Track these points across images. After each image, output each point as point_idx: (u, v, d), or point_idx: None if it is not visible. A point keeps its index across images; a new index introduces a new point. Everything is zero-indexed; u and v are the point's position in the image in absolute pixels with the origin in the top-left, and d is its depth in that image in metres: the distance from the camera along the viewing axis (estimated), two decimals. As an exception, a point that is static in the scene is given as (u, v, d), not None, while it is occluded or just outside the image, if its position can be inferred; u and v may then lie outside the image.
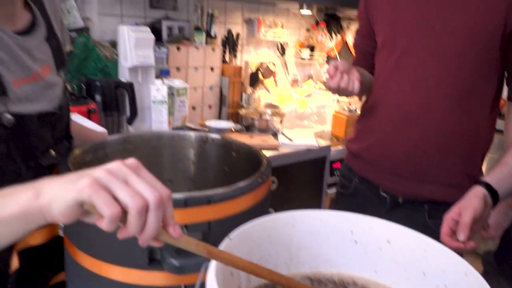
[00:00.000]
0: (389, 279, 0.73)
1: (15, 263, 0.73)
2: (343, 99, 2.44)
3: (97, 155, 0.95)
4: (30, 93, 0.75)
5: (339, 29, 2.76)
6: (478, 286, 0.59)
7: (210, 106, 2.26)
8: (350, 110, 2.32)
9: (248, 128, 2.15)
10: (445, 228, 0.93)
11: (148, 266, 0.69)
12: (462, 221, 0.91)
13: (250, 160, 0.98)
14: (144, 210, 0.47)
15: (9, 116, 0.70)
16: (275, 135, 2.08)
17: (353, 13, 2.66)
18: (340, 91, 1.15)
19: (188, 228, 0.69)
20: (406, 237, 0.71)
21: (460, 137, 1.16)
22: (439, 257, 0.67)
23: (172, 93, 1.84)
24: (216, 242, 0.62)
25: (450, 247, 0.67)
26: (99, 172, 0.47)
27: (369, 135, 1.30)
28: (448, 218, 0.94)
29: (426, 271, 0.69)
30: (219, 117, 2.31)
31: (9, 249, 0.72)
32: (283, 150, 1.92)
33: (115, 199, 0.46)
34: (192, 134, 1.06)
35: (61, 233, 0.78)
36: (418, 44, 1.16)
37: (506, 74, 1.17)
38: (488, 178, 1.00)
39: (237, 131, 2.06)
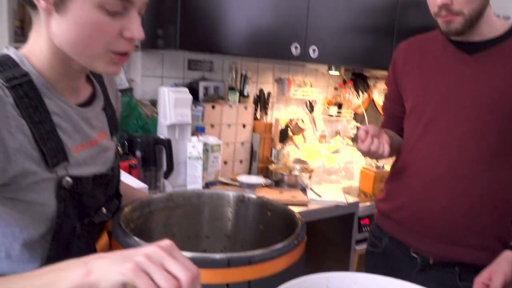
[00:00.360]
0: None
1: None
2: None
3: (143, 212, 1.03)
4: (87, 158, 0.84)
5: (366, 87, 2.86)
6: None
7: (241, 161, 2.34)
8: (377, 167, 2.36)
9: (278, 183, 2.20)
10: None
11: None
12: (493, 286, 0.93)
13: (285, 219, 1.03)
14: None
15: (68, 179, 0.77)
16: (304, 190, 2.13)
17: (379, 72, 2.76)
18: (370, 154, 1.21)
19: (229, 287, 0.74)
20: (437, 302, 0.75)
21: (488, 201, 1.19)
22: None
23: (206, 149, 1.93)
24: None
25: None
26: (139, 257, 0.56)
27: (398, 196, 1.34)
28: (479, 282, 0.96)
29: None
30: (250, 171, 2.38)
31: None
32: (312, 206, 1.96)
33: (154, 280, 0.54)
34: (230, 193, 1.13)
35: None
36: (445, 111, 1.22)
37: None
38: None
39: (267, 186, 2.12)
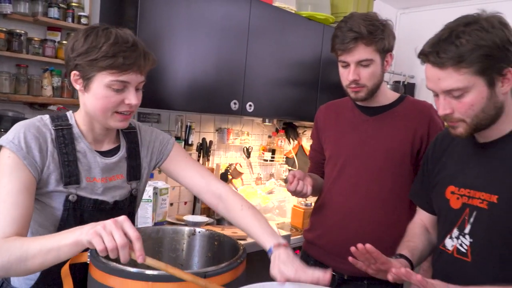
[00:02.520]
0: None
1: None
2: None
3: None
4: (93, 187, 1.19)
5: (296, 135, 3.23)
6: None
7: (185, 203, 2.57)
8: (306, 204, 2.68)
9: (219, 221, 2.46)
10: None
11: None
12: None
13: (229, 247, 1.29)
14: (116, 249, 0.88)
15: (74, 196, 1.14)
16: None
17: (307, 122, 3.15)
18: (297, 193, 1.52)
19: (190, 295, 0.98)
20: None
21: (387, 228, 1.53)
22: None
23: (155, 192, 2.16)
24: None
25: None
26: (99, 226, 0.89)
27: (320, 227, 1.65)
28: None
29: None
30: (193, 211, 2.62)
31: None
32: (250, 240, 2.22)
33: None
34: (185, 228, 1.37)
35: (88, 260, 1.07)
36: (353, 159, 1.58)
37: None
38: (405, 252, 1.34)
39: (209, 224, 2.37)
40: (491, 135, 1.13)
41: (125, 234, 0.89)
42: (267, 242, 1.16)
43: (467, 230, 1.14)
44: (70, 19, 2.08)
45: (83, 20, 2.10)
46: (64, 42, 2.07)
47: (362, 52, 1.45)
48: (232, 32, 2.33)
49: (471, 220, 1.13)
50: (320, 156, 1.74)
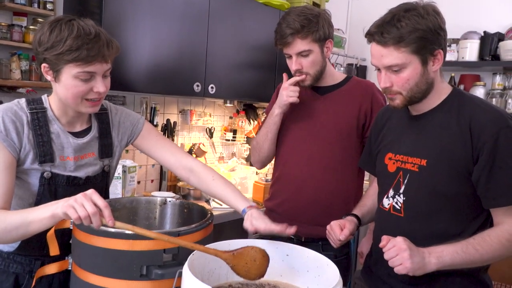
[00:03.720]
0: (289, 278, 1.22)
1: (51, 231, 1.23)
2: (262, 171, 2.98)
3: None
4: (67, 165, 1.30)
5: (255, 116, 3.39)
6: (333, 272, 1.09)
7: (152, 180, 2.70)
8: (266, 180, 2.86)
9: (185, 197, 2.60)
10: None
11: (139, 278, 1.12)
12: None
13: (198, 213, 1.44)
14: (88, 217, 1.02)
15: (48, 173, 1.25)
16: (207, 201, 2.56)
17: (266, 104, 3.31)
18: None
19: (165, 251, 1.13)
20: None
21: (338, 196, 1.73)
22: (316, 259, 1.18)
23: (124, 170, 2.27)
24: (183, 259, 1.07)
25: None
26: (72, 200, 1.03)
27: (278, 196, 1.83)
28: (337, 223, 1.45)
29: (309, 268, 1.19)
30: (160, 189, 2.74)
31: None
32: (215, 213, 2.38)
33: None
34: (157, 198, 1.51)
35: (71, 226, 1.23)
36: (306, 133, 1.76)
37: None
38: (356, 212, 1.55)
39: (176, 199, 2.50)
40: (422, 108, 1.33)
41: (95, 205, 1.03)
42: (240, 205, 1.35)
43: (401, 190, 1.35)
44: (36, 5, 2.13)
45: (49, 6, 2.16)
46: (31, 27, 2.12)
47: (299, 44, 1.64)
48: (193, 16, 2.44)
49: (405, 181, 1.34)
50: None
